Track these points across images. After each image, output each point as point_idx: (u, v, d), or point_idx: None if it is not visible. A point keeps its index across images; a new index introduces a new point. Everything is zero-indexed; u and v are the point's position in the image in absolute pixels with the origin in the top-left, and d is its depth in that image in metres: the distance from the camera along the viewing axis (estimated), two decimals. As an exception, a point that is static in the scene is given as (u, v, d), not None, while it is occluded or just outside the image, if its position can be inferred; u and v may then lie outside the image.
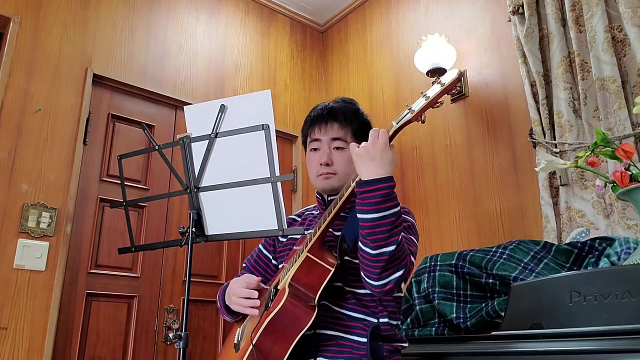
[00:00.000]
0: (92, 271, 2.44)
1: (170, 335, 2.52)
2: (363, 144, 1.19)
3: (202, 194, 1.33)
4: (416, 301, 1.91)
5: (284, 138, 3.30)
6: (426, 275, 1.90)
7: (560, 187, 2.09)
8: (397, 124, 1.22)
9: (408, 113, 1.20)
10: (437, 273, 1.87)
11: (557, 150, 2.09)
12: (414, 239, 1.33)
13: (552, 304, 1.36)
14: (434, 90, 1.18)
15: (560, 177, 2.09)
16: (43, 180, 2.34)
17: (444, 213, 2.63)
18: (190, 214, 1.33)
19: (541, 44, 2.26)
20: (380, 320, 1.28)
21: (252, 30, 3.39)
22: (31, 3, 2.50)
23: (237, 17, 3.33)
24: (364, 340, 1.23)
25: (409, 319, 1.90)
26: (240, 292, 1.33)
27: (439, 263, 1.89)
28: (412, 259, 1.24)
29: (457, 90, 2.63)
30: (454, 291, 1.82)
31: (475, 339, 1.52)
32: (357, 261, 1.23)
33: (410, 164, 2.84)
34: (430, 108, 1.20)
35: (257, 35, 3.41)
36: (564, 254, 1.69)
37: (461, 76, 1.18)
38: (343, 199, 1.25)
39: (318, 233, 1.27)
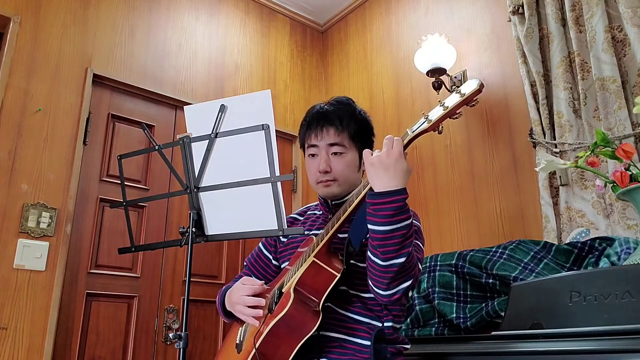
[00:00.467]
0: (92, 271, 2.44)
1: (170, 335, 2.51)
2: (376, 152, 1.16)
3: (202, 194, 1.33)
4: (416, 301, 1.91)
5: (284, 138, 3.30)
6: (426, 275, 1.90)
7: (560, 187, 2.09)
8: (413, 132, 1.17)
9: (425, 122, 1.15)
10: (437, 273, 1.87)
11: (557, 150, 2.09)
12: (420, 244, 1.31)
13: (552, 304, 1.36)
14: (452, 100, 1.12)
15: (560, 177, 2.09)
16: (43, 180, 2.34)
17: (444, 213, 2.63)
18: (190, 214, 1.32)
19: (541, 44, 2.26)
20: (385, 324, 1.27)
21: (252, 30, 3.39)
22: (31, 3, 2.50)
23: (237, 17, 3.33)
24: (368, 343, 1.22)
25: (409, 319, 1.90)
26: (245, 300, 1.30)
27: (438, 263, 1.89)
28: (420, 266, 1.23)
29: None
30: (454, 291, 1.82)
31: (475, 339, 1.52)
32: (363, 265, 1.22)
33: (410, 164, 2.83)
34: (448, 118, 1.14)
35: (257, 35, 3.41)
36: (564, 254, 1.69)
37: (482, 87, 1.10)
38: (353, 205, 1.22)
39: (325, 238, 1.25)
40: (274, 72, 3.43)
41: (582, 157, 1.58)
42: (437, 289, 1.83)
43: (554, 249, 1.71)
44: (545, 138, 2.15)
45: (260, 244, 1.58)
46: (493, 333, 1.47)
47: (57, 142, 2.42)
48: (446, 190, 2.65)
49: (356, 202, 1.22)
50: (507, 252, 1.76)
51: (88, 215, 2.49)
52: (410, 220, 1.14)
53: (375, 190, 1.14)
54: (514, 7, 2.32)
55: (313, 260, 1.23)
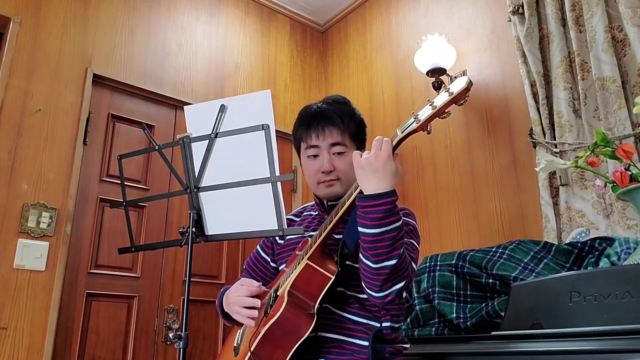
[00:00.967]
0: (92, 271, 2.44)
1: (170, 335, 2.52)
2: (365, 154, 1.15)
3: (202, 194, 1.33)
4: (416, 301, 1.91)
5: (284, 138, 3.29)
6: (426, 275, 1.90)
7: (560, 187, 2.09)
8: (402, 132, 1.16)
9: (414, 122, 1.14)
10: (437, 273, 1.87)
11: (557, 150, 2.09)
12: (415, 243, 1.30)
13: (552, 304, 1.36)
14: (441, 98, 1.11)
15: (560, 177, 2.09)
16: (43, 180, 2.34)
17: (444, 213, 2.63)
18: (190, 214, 1.32)
19: (541, 44, 2.26)
20: (383, 324, 1.27)
21: (252, 30, 3.39)
22: (31, 3, 2.50)
23: (237, 17, 3.33)
24: (366, 343, 1.22)
25: (409, 319, 1.90)
26: (242, 301, 1.29)
27: (439, 263, 1.89)
28: (414, 266, 1.23)
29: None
30: (454, 291, 1.82)
31: (475, 339, 1.52)
32: (358, 265, 1.22)
33: (410, 164, 2.84)
34: (437, 118, 1.13)
35: (257, 35, 3.41)
36: (564, 254, 1.69)
37: (470, 85, 1.09)
38: (345, 207, 1.22)
39: (319, 240, 1.25)
40: (274, 72, 3.43)
41: (582, 157, 1.58)
42: (437, 289, 1.83)
43: (554, 249, 1.71)
44: (545, 138, 2.15)
45: (257, 247, 1.58)
46: (493, 333, 1.47)
47: (57, 142, 2.42)
48: (446, 190, 2.65)
49: (348, 202, 1.21)
50: (507, 252, 1.76)
51: (88, 215, 2.49)
52: (401, 222, 1.14)
53: (365, 193, 1.14)
54: (514, 7, 2.32)
55: (307, 263, 1.23)
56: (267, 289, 1.38)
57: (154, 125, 2.82)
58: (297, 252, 1.35)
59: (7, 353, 2.09)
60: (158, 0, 2.98)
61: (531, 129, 2.21)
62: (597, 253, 1.63)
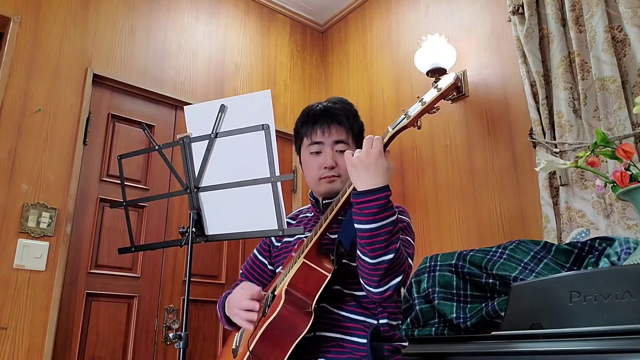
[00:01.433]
0: (92, 271, 2.44)
1: (170, 335, 2.52)
2: (357, 152, 1.18)
3: (202, 194, 1.33)
4: (416, 301, 1.91)
5: (284, 138, 3.29)
6: (426, 275, 1.90)
7: (560, 187, 2.09)
8: (393, 129, 1.19)
9: (404, 118, 1.17)
10: (437, 273, 1.87)
11: (557, 150, 2.09)
12: (410, 239, 1.32)
13: (552, 304, 1.36)
14: (430, 95, 1.14)
15: (560, 177, 2.09)
16: (43, 180, 2.34)
17: (444, 213, 2.63)
18: (190, 214, 1.32)
19: (541, 44, 2.26)
20: (380, 321, 1.28)
21: (252, 30, 3.39)
22: (31, 3, 2.50)
23: (237, 17, 3.33)
24: (364, 341, 1.23)
25: (409, 319, 1.90)
26: (242, 303, 1.28)
27: (438, 263, 1.89)
28: (410, 261, 1.24)
29: (457, 93, 2.64)
30: (454, 291, 1.82)
31: (475, 339, 1.52)
32: (354, 264, 1.23)
33: (410, 164, 2.84)
34: (426, 113, 1.16)
35: (257, 35, 3.41)
36: (564, 254, 1.69)
37: (458, 81, 1.14)
38: (339, 205, 1.23)
39: (314, 239, 1.26)
40: (274, 72, 3.43)
41: (582, 157, 1.58)
42: (437, 289, 1.83)
43: (554, 249, 1.71)
44: (545, 138, 2.15)
45: (254, 250, 1.59)
46: (493, 333, 1.47)
47: (57, 142, 2.42)
48: (446, 190, 2.65)
49: (342, 201, 1.23)
50: (507, 252, 1.76)
51: (88, 215, 2.49)
52: (396, 216, 1.16)
53: (358, 190, 1.15)
54: (514, 7, 2.32)
55: (303, 262, 1.24)
56: (264, 293, 1.38)
57: (154, 125, 2.82)
58: (292, 254, 1.36)
59: (7, 353, 2.09)
60: (158, 0, 2.98)
61: (531, 129, 2.21)
62: (597, 253, 1.63)
